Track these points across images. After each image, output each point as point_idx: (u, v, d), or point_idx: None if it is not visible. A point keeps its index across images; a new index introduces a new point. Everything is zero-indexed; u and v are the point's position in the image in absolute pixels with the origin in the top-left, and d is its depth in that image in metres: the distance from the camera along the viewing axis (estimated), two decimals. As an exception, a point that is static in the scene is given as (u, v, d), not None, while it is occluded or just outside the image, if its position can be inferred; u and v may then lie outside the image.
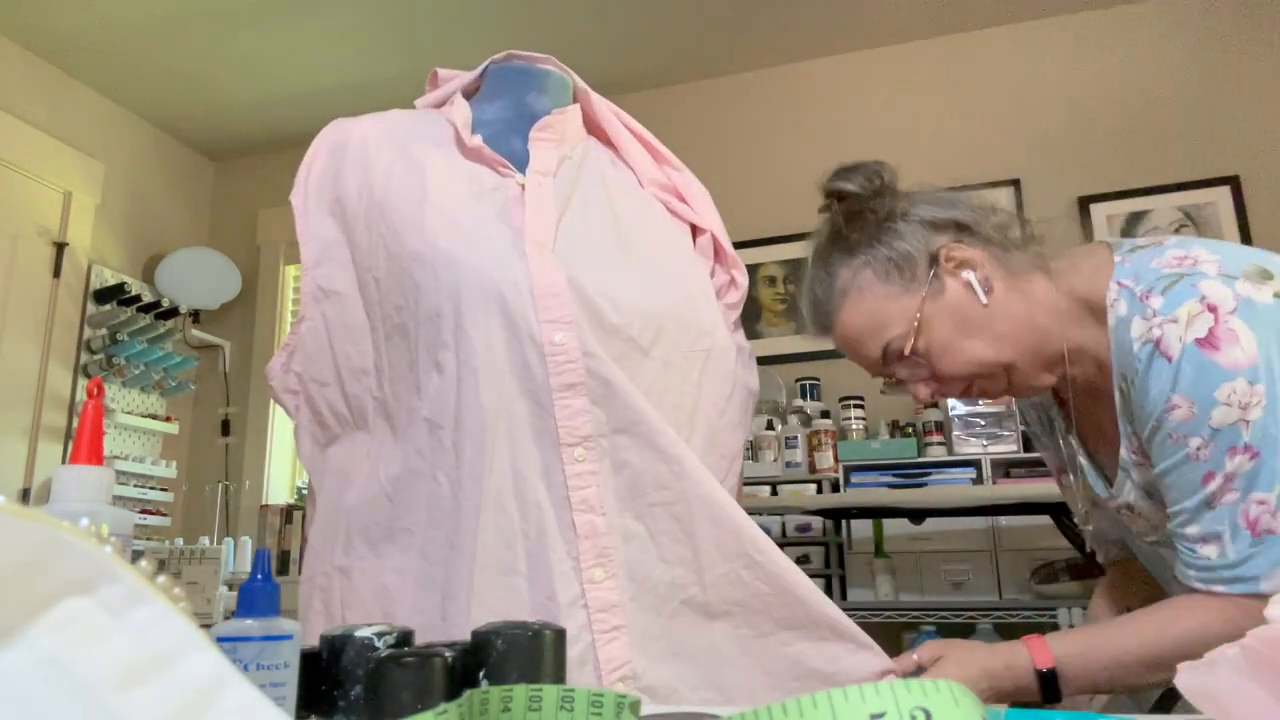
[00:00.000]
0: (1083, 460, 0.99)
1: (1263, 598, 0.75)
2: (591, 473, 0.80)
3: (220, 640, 0.49)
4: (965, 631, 2.19)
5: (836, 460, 2.67)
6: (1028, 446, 2.49)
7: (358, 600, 0.84)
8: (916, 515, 2.39)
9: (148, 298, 3.39)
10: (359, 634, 0.52)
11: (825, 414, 2.76)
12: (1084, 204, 2.87)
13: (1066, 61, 3.00)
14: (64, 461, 1.93)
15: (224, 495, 3.41)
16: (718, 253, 1.00)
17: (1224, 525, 0.78)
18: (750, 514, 0.83)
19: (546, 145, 0.95)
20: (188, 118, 3.60)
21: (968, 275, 0.89)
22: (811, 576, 2.47)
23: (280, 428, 3.55)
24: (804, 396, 2.88)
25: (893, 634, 2.35)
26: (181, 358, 3.46)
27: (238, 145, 3.81)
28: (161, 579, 0.32)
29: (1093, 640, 0.86)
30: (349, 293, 0.89)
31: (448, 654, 0.49)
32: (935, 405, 2.63)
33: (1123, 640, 0.84)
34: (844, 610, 0.84)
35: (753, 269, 3.13)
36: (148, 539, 3.16)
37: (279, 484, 3.56)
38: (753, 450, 2.73)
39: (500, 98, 1.00)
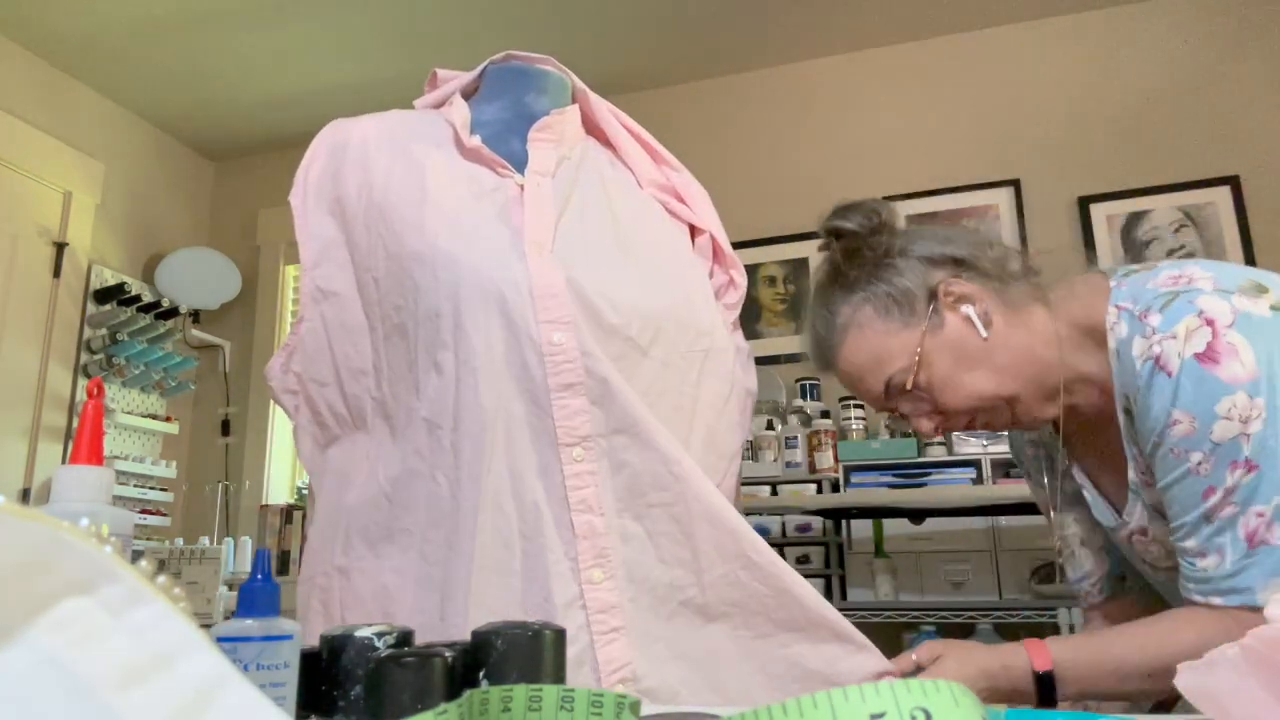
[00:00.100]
0: (1088, 493, 0.99)
1: (1259, 610, 0.75)
2: (590, 473, 0.80)
3: (220, 640, 0.49)
4: (965, 632, 2.19)
5: (836, 460, 2.67)
6: (1028, 446, 2.47)
7: (357, 600, 0.84)
8: (916, 515, 2.39)
9: (148, 298, 3.39)
10: (359, 634, 0.52)
11: (825, 414, 2.76)
12: (1084, 204, 2.87)
13: (1066, 61, 3.00)
14: (64, 461, 1.92)
15: (224, 495, 3.41)
16: (716, 253, 1.00)
17: (1223, 538, 0.78)
18: (750, 514, 0.84)
19: (545, 146, 0.94)
20: (188, 118, 3.60)
21: (967, 309, 0.90)
22: (811, 576, 2.45)
23: (280, 428, 3.55)
24: (804, 396, 2.88)
25: (892, 634, 2.34)
26: (181, 358, 3.46)
27: (238, 145, 3.81)
28: (161, 579, 0.32)
29: (1091, 646, 0.87)
30: (348, 293, 0.89)
31: (448, 654, 0.49)
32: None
33: (1121, 648, 0.84)
34: (844, 610, 0.85)
35: (753, 269, 3.13)
36: (148, 539, 3.16)
37: (279, 484, 3.56)
38: (753, 450, 2.73)
39: (499, 98, 1.00)
